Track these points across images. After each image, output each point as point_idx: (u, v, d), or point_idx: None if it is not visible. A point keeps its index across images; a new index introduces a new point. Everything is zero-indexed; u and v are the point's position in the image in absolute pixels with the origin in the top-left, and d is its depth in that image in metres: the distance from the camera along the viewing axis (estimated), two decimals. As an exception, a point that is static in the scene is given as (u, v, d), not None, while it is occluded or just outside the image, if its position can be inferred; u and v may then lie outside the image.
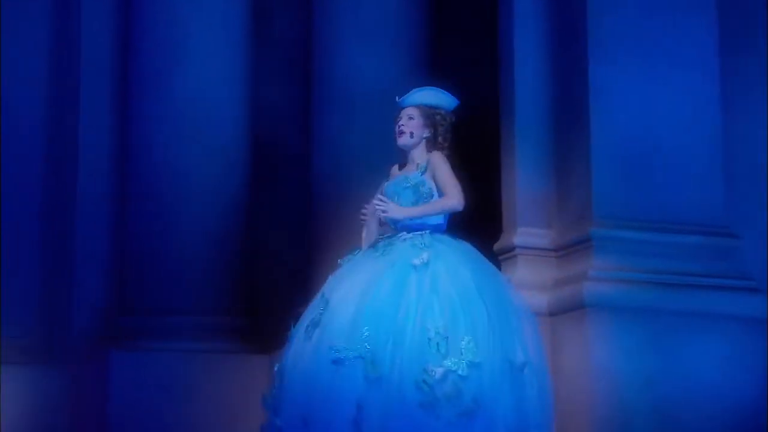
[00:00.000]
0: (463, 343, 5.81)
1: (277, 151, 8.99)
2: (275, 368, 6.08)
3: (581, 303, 6.69)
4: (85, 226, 8.58)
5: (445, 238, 6.25)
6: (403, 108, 6.38)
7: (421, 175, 6.28)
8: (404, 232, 6.19)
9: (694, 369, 6.71)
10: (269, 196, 8.87)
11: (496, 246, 7.25)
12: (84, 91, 8.73)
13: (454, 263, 6.08)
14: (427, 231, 6.18)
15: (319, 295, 6.09)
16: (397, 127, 6.37)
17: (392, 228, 6.26)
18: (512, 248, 7.13)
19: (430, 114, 6.36)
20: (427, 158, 6.31)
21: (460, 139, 8.05)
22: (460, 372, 5.76)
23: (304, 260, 8.23)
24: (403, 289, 5.94)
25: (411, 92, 6.39)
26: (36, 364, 8.29)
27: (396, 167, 6.48)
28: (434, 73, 7.88)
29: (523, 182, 7.12)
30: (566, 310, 6.80)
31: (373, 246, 6.24)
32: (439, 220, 6.25)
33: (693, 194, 6.97)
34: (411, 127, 6.35)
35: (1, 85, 8.53)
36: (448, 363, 5.76)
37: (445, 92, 6.41)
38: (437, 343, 5.80)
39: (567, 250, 7.01)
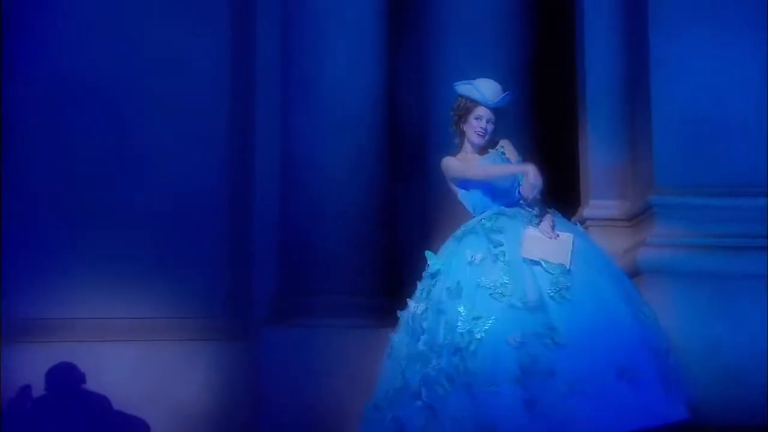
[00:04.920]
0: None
1: (413, 143, 9.35)
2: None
3: (637, 270, 6.80)
4: (260, 225, 9.43)
5: None
6: (490, 108, 6.39)
7: (504, 156, 6.47)
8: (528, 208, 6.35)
9: (761, 333, 6.66)
10: (407, 186, 9.30)
11: (575, 218, 7.37)
12: (259, 103, 9.55)
13: None
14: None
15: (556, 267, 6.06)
16: (479, 127, 6.40)
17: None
18: (584, 220, 7.29)
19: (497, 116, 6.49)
20: (502, 145, 6.48)
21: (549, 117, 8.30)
22: None
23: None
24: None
25: (500, 91, 6.40)
26: (221, 341, 9.25)
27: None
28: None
29: (594, 156, 7.30)
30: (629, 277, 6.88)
31: (506, 215, 6.29)
32: None
33: (759, 158, 6.93)
34: (491, 130, 6.44)
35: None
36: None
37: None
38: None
39: (636, 219, 7.13)
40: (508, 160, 6.45)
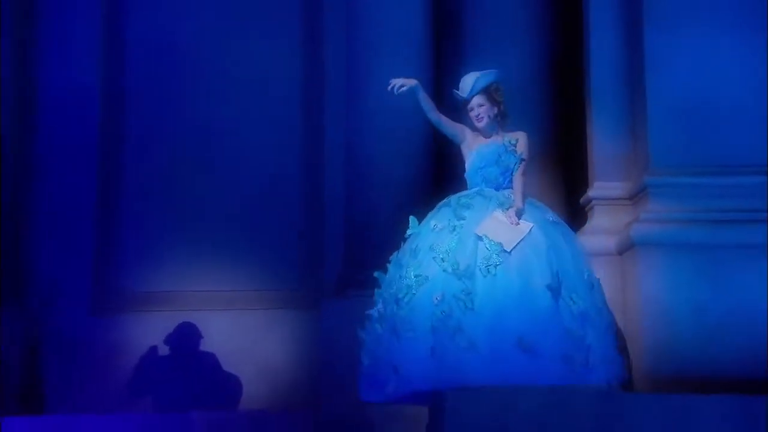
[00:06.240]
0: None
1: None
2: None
3: (631, 243, 7.60)
4: (329, 213, 10.75)
5: None
6: (471, 98, 7.56)
7: (512, 148, 7.50)
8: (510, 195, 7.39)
9: (744, 297, 7.34)
10: (449, 174, 10.02)
11: (582, 199, 8.30)
12: (327, 106, 10.86)
13: None
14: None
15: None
16: (473, 116, 7.56)
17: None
18: (590, 200, 8.15)
19: (490, 93, 7.56)
20: (517, 137, 7.53)
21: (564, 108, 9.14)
22: None
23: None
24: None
25: (471, 83, 7.53)
26: (297, 310, 10.54)
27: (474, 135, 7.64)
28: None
29: (598, 141, 8.08)
30: (625, 250, 7.74)
31: (483, 195, 7.34)
32: None
33: (747, 140, 7.60)
34: (484, 112, 7.57)
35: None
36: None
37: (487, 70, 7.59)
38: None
39: (636, 198, 7.90)
40: (512, 153, 7.44)
